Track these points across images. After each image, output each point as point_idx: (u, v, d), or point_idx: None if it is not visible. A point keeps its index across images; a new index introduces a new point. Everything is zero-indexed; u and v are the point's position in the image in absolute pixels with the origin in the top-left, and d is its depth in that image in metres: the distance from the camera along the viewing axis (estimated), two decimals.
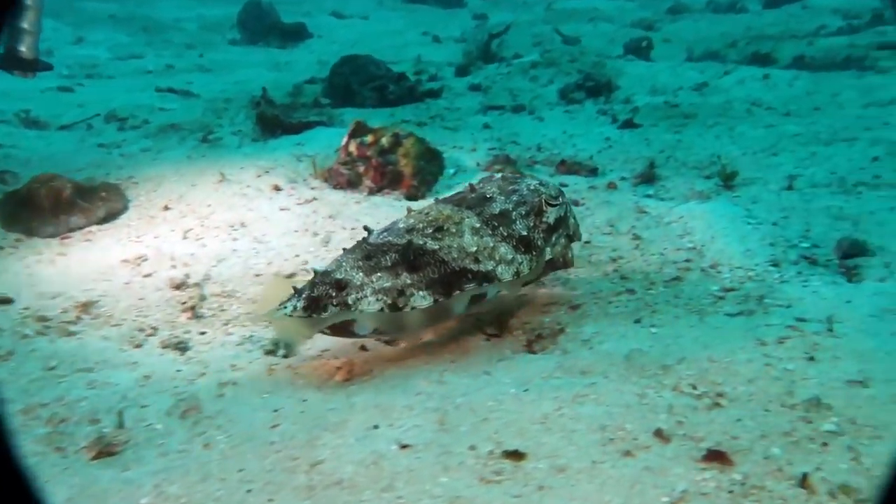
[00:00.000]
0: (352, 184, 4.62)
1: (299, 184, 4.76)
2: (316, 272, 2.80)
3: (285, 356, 2.95)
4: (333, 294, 2.68)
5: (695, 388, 2.27)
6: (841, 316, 2.65)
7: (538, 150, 5.57)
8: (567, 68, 9.51)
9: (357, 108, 6.95)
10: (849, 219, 3.67)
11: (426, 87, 7.74)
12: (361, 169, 4.59)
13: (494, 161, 4.92)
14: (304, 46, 15.06)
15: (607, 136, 5.79)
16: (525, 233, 2.95)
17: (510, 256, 2.88)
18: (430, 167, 4.71)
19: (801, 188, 4.25)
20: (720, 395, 2.23)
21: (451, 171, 4.94)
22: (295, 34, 15.45)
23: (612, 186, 4.60)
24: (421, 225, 2.86)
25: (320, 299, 2.68)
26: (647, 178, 4.65)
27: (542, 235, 3.03)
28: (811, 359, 2.37)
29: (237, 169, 5.00)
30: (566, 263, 3.37)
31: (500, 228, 2.91)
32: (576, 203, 4.11)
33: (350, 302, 2.67)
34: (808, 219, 3.76)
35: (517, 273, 2.89)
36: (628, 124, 6.03)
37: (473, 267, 2.79)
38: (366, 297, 2.67)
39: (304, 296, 2.72)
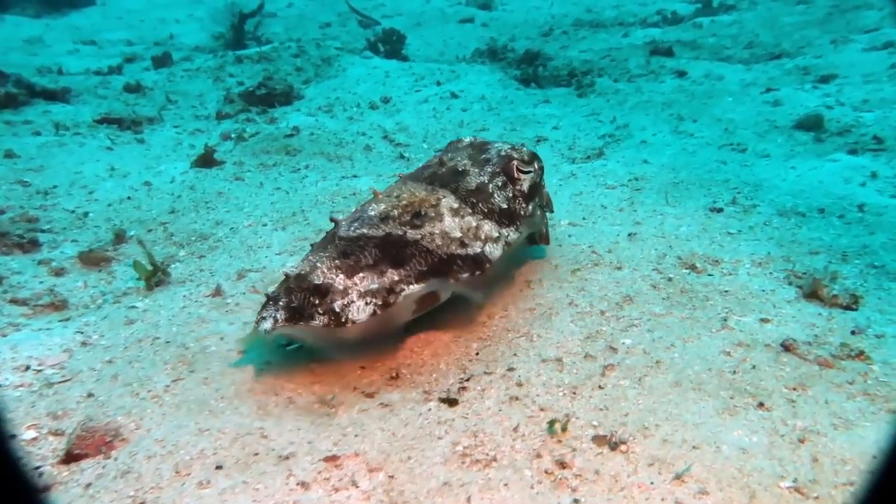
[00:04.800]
0: None
1: None
2: (288, 276, 2.46)
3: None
4: (317, 301, 2.38)
5: None
6: None
7: (45, 195, 4.36)
8: (283, 65, 8.37)
9: None
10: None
11: (46, 87, 6.39)
12: None
13: None
14: (77, 16, 13.25)
15: (153, 180, 4.67)
16: (506, 205, 2.87)
17: (496, 234, 2.78)
18: None
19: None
20: None
21: None
22: None
23: None
24: (396, 212, 2.63)
25: (303, 309, 2.38)
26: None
27: (522, 204, 2.95)
28: None
29: None
30: (544, 237, 3.22)
31: (480, 204, 2.80)
32: None
33: (338, 309, 2.39)
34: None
35: (507, 244, 2.83)
36: (206, 161, 4.95)
37: (461, 252, 2.65)
38: (353, 302, 2.41)
39: (281, 304, 2.40)
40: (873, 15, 10.16)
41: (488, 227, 2.76)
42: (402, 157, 5.20)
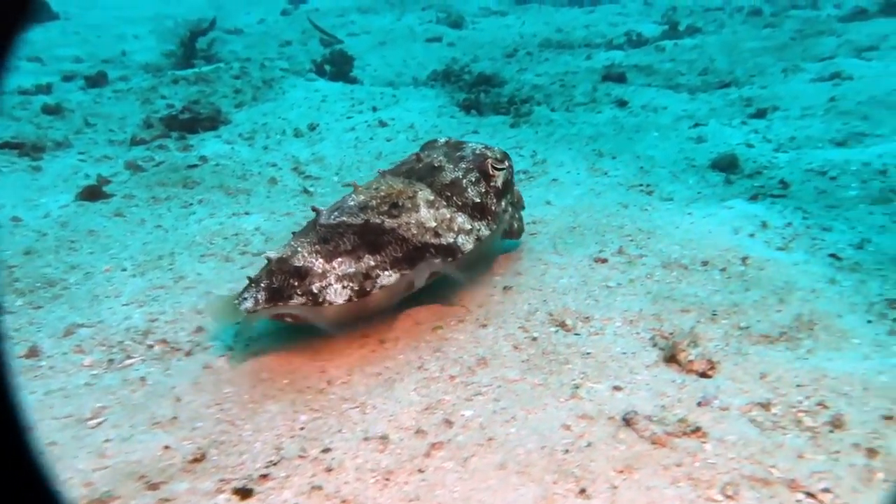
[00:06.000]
0: None
1: None
2: (270, 259, 2.62)
3: None
4: (296, 283, 2.54)
5: None
6: None
7: None
8: (221, 87, 8.18)
9: None
10: None
11: None
12: None
13: None
14: (38, 30, 13.03)
15: (25, 215, 4.43)
16: (478, 199, 3.06)
17: (468, 226, 2.97)
18: None
19: None
20: None
21: None
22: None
23: None
24: (374, 202, 2.81)
25: (283, 290, 2.53)
26: None
27: (493, 200, 3.14)
28: None
29: None
30: (514, 232, 3.44)
31: (454, 198, 2.98)
32: None
33: (315, 290, 2.55)
34: None
35: (478, 239, 3.00)
36: (93, 194, 4.74)
37: (434, 241, 2.83)
38: (331, 284, 2.58)
39: (262, 286, 2.54)
40: (831, 42, 10.09)
41: (461, 220, 2.95)
42: (305, 191, 5.02)
